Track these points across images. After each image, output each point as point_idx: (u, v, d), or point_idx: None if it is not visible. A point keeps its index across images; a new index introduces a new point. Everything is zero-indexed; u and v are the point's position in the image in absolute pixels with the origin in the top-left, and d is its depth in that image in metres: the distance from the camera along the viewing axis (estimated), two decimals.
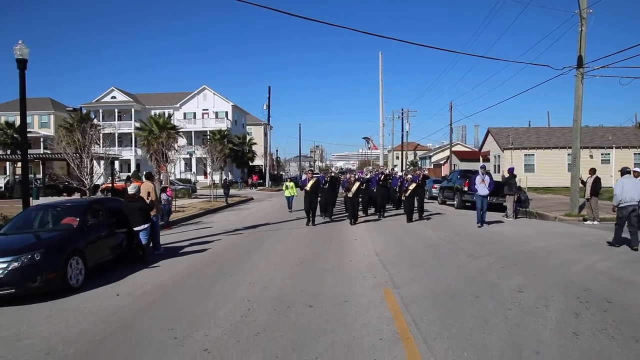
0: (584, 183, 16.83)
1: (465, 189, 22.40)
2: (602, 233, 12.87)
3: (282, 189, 22.92)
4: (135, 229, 9.92)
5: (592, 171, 16.27)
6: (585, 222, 16.19)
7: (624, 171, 11.38)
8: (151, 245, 10.91)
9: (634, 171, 11.39)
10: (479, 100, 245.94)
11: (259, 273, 8.73)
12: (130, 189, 10.42)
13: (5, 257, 7.14)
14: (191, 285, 8.03)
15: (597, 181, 15.96)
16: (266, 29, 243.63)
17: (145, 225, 10.00)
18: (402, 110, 65.44)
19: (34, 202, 25.29)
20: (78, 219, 8.76)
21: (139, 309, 6.66)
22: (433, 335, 5.15)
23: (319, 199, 17.84)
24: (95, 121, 42.22)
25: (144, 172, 19.43)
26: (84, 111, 61.40)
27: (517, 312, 5.95)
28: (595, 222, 15.68)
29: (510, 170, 19.09)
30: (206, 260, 10.33)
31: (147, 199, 10.54)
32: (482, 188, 15.07)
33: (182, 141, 44.80)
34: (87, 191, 16.55)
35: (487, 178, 15.32)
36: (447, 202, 25.06)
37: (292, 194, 22.38)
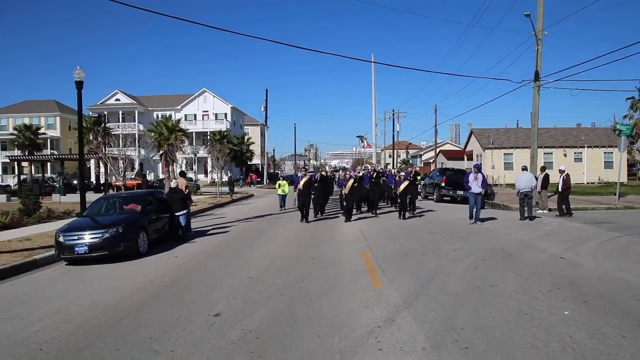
0: (536, 179, 20.10)
1: (443, 184, 25.75)
2: (541, 218, 16.19)
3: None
4: (177, 214, 13.05)
5: (542, 169, 19.54)
6: (537, 211, 19.45)
7: (523, 169, 15.64)
8: None
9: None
10: (467, 100, 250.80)
11: (272, 244, 11.89)
12: (173, 184, 13.60)
13: (100, 230, 10.31)
14: (225, 251, 11.20)
15: (546, 177, 19.19)
16: (261, 31, 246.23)
17: (184, 211, 13.14)
18: (393, 111, 68.82)
19: (62, 199, 28.37)
20: (140, 205, 11.91)
21: (195, 263, 9.82)
22: (388, 270, 8.36)
23: (312, 196, 17.78)
24: (108, 124, 45.25)
25: (179, 171, 22.13)
26: (90, 113, 64.38)
27: (446, 260, 9.17)
28: (545, 211, 18.91)
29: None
30: (230, 238, 13.50)
31: (185, 191, 13.68)
32: (475, 186, 15.35)
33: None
34: (121, 187, 19.56)
35: (480, 176, 15.63)
36: (429, 197, 28.26)
37: (285, 192, 22.87)
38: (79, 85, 15.15)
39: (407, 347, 4.74)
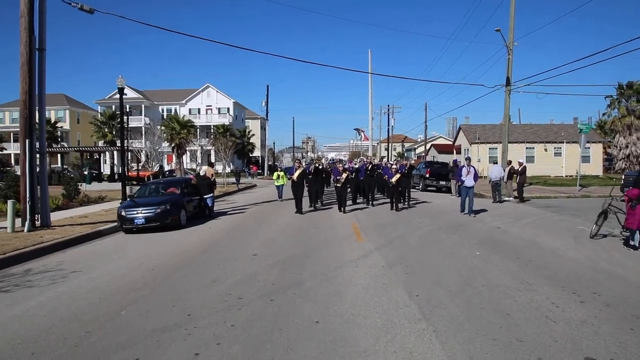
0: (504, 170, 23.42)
1: (427, 175, 29.08)
2: (505, 203, 19.56)
3: None
4: (205, 196, 16.32)
5: (509, 162, 22.84)
6: (505, 198, 22.78)
7: (493, 161, 18.57)
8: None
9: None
10: (462, 93, 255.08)
11: (282, 220, 15.17)
12: (202, 172, 16.88)
13: (153, 207, 13.56)
14: (247, 224, 14.48)
15: (512, 169, 22.51)
16: (263, 27, 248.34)
17: (211, 194, 16.42)
18: (389, 106, 72.06)
19: (88, 187, 31.51)
20: (179, 189, 15.18)
21: (226, 231, 13.10)
22: (369, 233, 11.69)
23: (306, 188, 18.23)
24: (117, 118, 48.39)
25: (207, 162, 25.04)
26: (99, 107, 67.46)
27: (412, 228, 12.49)
28: (511, 198, 22.23)
29: (455, 161, 25.63)
30: (247, 216, 16.79)
31: (211, 178, 16.94)
32: (469, 180, 15.68)
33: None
34: (150, 176, 22.74)
35: (472, 170, 15.87)
36: (415, 187, 31.53)
37: (283, 183, 23.58)
38: (121, 91, 18.35)
39: (373, 266, 8.06)
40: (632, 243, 9.60)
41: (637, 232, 9.53)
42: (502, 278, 7.15)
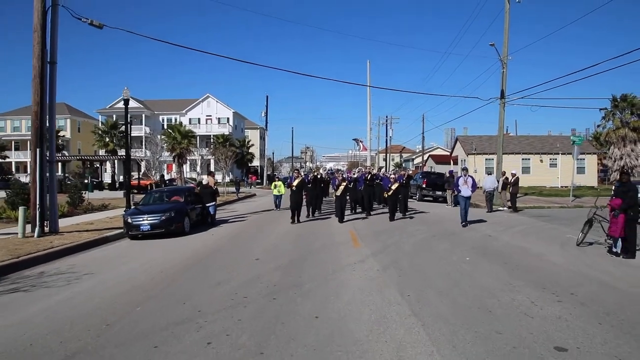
0: (498, 181, 24.01)
1: (424, 186, 29.66)
2: (498, 212, 20.10)
3: None
4: (207, 205, 16.84)
5: (503, 173, 23.45)
6: (499, 208, 23.34)
7: (487, 172, 19.05)
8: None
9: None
10: (460, 104, 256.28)
11: (281, 229, 15.67)
12: (204, 181, 17.41)
13: (158, 214, 14.07)
14: (248, 231, 15.00)
15: (505, 180, 23.10)
16: (261, 39, 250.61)
17: (213, 203, 16.95)
18: (387, 117, 72.86)
19: (90, 195, 31.99)
20: (183, 197, 15.71)
21: (229, 238, 13.61)
22: (366, 240, 12.21)
23: (304, 197, 18.20)
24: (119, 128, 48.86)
25: (207, 171, 25.71)
26: (100, 116, 68.19)
27: (407, 236, 13.02)
28: (505, 208, 22.79)
29: (450, 172, 26.23)
30: (248, 224, 17.30)
31: (213, 187, 17.48)
32: (465, 190, 15.69)
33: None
34: (153, 185, 23.25)
35: (469, 180, 15.80)
36: (412, 197, 32.07)
37: (281, 193, 23.86)
38: (126, 102, 18.96)
39: (368, 270, 8.58)
40: (614, 250, 10.14)
41: (620, 239, 10.07)
42: (488, 281, 7.68)
